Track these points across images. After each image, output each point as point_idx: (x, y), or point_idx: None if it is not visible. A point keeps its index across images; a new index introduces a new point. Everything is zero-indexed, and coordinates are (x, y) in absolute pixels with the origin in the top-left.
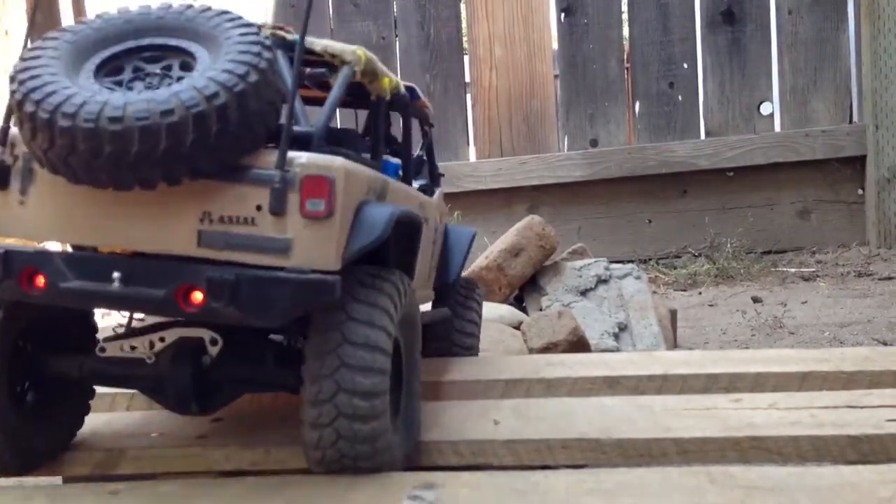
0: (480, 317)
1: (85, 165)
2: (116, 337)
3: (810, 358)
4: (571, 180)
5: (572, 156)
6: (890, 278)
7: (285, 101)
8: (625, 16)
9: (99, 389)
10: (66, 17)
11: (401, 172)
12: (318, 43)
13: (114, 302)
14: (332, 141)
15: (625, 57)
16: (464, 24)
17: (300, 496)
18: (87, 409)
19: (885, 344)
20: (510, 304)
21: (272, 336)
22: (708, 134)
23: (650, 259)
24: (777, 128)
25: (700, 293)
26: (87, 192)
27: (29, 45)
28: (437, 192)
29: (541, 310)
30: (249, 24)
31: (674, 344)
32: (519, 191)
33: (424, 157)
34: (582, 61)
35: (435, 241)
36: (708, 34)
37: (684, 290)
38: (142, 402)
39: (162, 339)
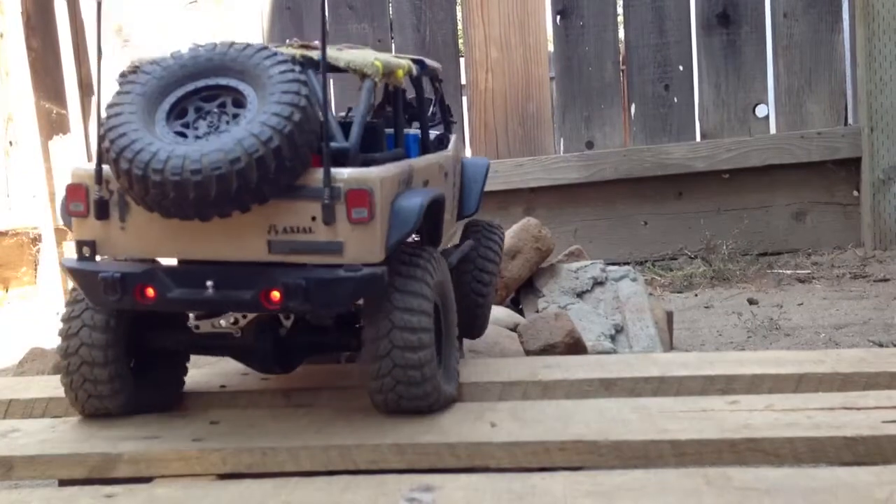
0: (500, 257)
1: (174, 206)
2: (207, 315)
3: (806, 359)
4: (567, 182)
5: (568, 158)
6: (885, 280)
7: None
8: (620, 18)
9: None
10: (62, 19)
11: (419, 139)
12: (341, 59)
13: (209, 305)
14: (366, 146)
15: (620, 59)
16: (459, 27)
17: (297, 498)
18: (184, 374)
19: (880, 345)
20: (507, 306)
21: None
22: (703, 136)
23: (646, 261)
24: (772, 130)
25: (696, 295)
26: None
27: (109, 102)
28: (453, 138)
29: (537, 312)
30: (286, 61)
31: (670, 346)
32: (515, 193)
33: (436, 111)
34: (578, 64)
35: (454, 183)
36: (703, 36)
37: (680, 292)
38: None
39: (244, 316)
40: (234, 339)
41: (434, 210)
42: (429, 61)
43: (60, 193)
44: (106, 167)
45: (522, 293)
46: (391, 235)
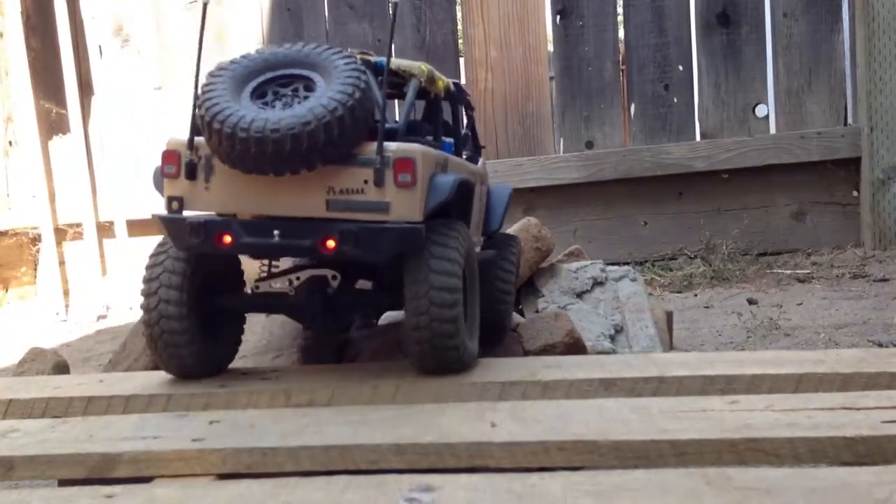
0: (518, 265)
1: (255, 161)
2: (266, 278)
3: (806, 359)
4: (567, 182)
5: (568, 158)
6: (885, 280)
7: (377, 106)
8: (620, 18)
9: (94, 393)
10: (62, 19)
11: (453, 149)
12: (393, 62)
13: (276, 250)
14: (410, 131)
15: (620, 59)
16: (459, 27)
17: (297, 498)
18: (242, 333)
19: (880, 345)
20: None
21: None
22: (703, 136)
23: (646, 261)
24: (772, 130)
25: (696, 295)
26: (251, 177)
27: (204, 80)
28: (481, 160)
29: (537, 312)
30: (349, 56)
31: (670, 346)
32: (515, 193)
33: (469, 134)
34: (577, 63)
35: (481, 198)
36: (703, 36)
37: (680, 292)
38: (138, 405)
39: (298, 278)
40: (287, 298)
41: (464, 192)
42: (464, 88)
43: (60, 193)
44: (197, 138)
45: (522, 293)
46: (429, 201)
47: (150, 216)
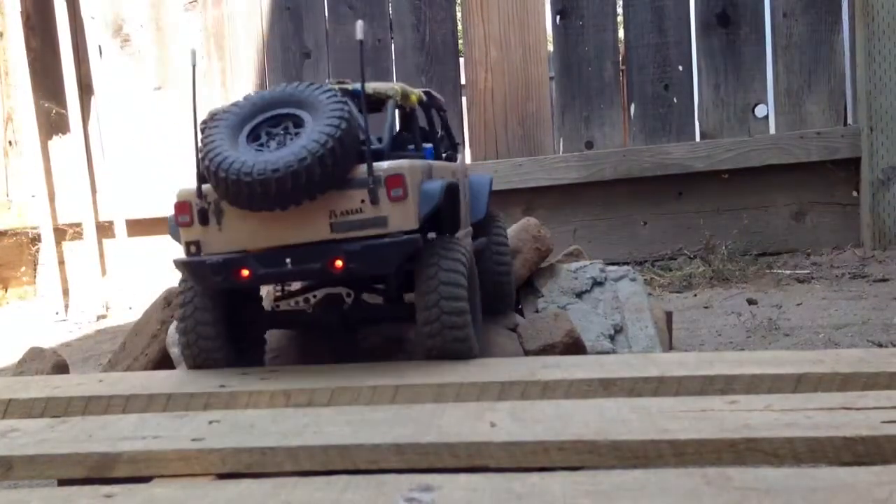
0: (507, 238)
1: (261, 200)
2: (284, 297)
3: (805, 359)
4: (567, 182)
5: (568, 158)
6: (884, 280)
7: (361, 130)
8: (620, 18)
9: (93, 393)
10: (61, 19)
11: (434, 153)
12: (369, 87)
13: (289, 276)
14: (394, 147)
15: (620, 59)
16: (459, 26)
17: (296, 498)
18: (265, 343)
19: (879, 345)
20: None
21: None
22: (703, 136)
23: (646, 261)
24: (772, 130)
25: (695, 295)
26: (259, 214)
27: (203, 135)
28: (459, 157)
29: (536, 312)
30: (332, 90)
31: (669, 346)
32: (514, 193)
33: (444, 134)
34: (577, 63)
35: (465, 192)
36: (702, 36)
37: (679, 292)
38: (137, 405)
39: (314, 296)
40: (305, 315)
41: (451, 195)
42: (435, 93)
43: (60, 193)
44: (204, 185)
45: (522, 293)
46: (421, 209)
47: (150, 216)
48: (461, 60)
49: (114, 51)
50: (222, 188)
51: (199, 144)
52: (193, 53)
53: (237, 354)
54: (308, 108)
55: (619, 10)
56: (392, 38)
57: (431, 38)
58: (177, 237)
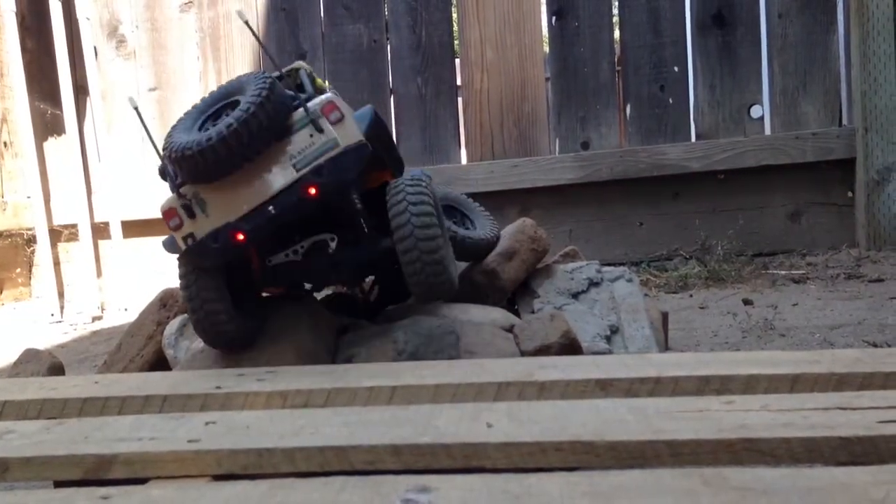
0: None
1: (210, 169)
2: (276, 252)
3: (802, 360)
4: (563, 183)
5: (564, 159)
6: (880, 280)
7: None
8: (616, 19)
9: (89, 394)
10: (57, 20)
11: None
12: (285, 69)
13: (277, 218)
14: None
15: (616, 60)
16: (455, 28)
17: (293, 500)
18: (267, 310)
19: (875, 346)
20: (502, 306)
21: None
22: (699, 137)
23: (641, 262)
24: (767, 130)
25: (691, 295)
26: (232, 189)
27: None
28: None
29: (532, 312)
30: (263, 74)
31: (665, 346)
32: (510, 194)
33: None
34: (573, 64)
35: None
36: (698, 37)
37: (675, 293)
38: (133, 406)
39: (303, 246)
40: (296, 265)
41: (380, 121)
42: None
43: (55, 194)
44: (182, 188)
45: (518, 294)
46: (361, 126)
47: (145, 217)
48: (457, 62)
49: (109, 52)
50: (181, 168)
51: (162, 150)
52: (132, 100)
53: (245, 320)
54: (244, 92)
55: (615, 11)
56: (388, 40)
57: (428, 39)
58: (173, 250)
